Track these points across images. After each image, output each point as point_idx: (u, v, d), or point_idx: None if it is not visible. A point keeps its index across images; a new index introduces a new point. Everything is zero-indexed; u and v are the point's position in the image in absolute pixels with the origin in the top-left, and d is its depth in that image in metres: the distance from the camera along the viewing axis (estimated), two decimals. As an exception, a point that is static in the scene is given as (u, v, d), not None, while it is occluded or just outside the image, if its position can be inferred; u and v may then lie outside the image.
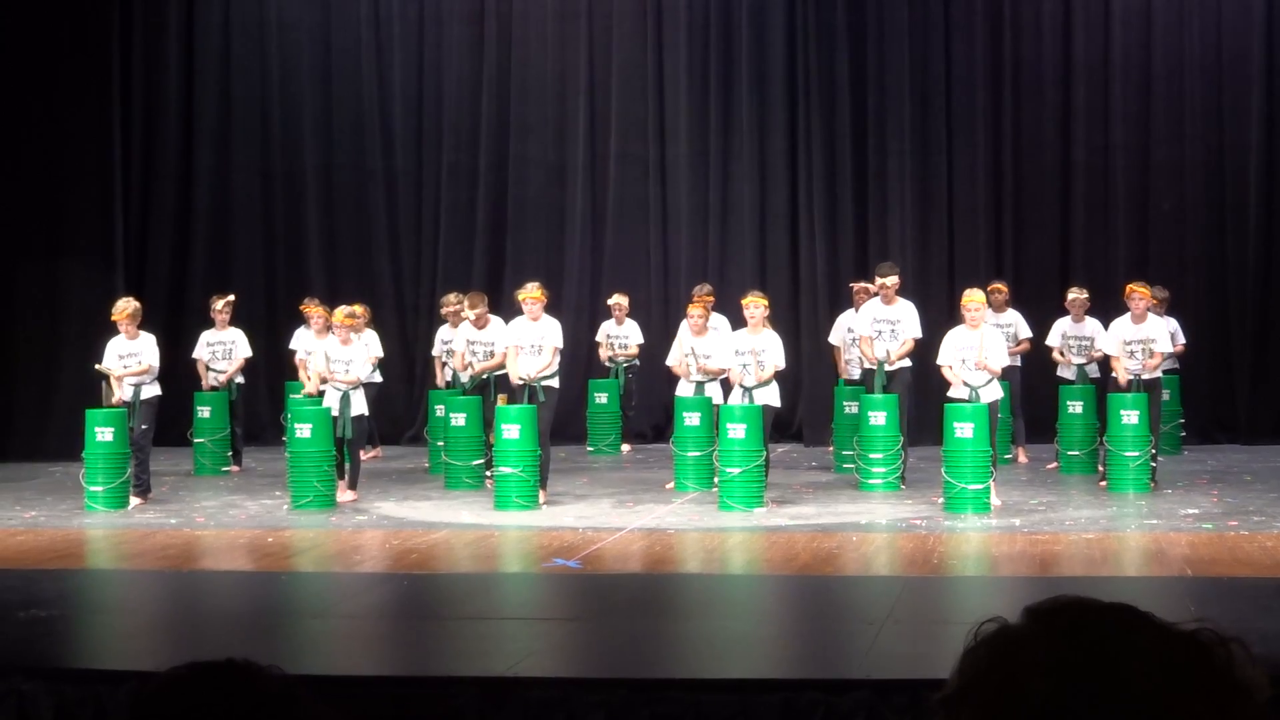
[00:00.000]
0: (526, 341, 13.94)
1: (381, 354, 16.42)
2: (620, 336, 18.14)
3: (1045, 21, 18.82)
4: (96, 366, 14.28)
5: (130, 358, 14.20)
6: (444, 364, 16.24)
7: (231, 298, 16.72)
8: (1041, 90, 18.83)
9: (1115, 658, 1.53)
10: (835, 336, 16.13)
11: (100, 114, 18.24)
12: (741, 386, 13.72)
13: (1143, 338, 14.31)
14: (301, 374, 15.68)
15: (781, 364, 13.91)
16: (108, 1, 18.47)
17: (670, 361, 15.14)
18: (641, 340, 18.10)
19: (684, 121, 19.32)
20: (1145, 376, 14.21)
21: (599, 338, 18.26)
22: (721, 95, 19.25)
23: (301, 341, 16.53)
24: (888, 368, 14.73)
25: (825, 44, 18.83)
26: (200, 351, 16.53)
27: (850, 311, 15.95)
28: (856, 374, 15.77)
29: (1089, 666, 1.52)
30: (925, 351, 14.73)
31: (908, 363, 14.88)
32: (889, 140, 18.69)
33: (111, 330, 14.33)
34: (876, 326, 14.87)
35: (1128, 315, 14.43)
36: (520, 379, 13.80)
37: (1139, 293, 14.44)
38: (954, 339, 13.62)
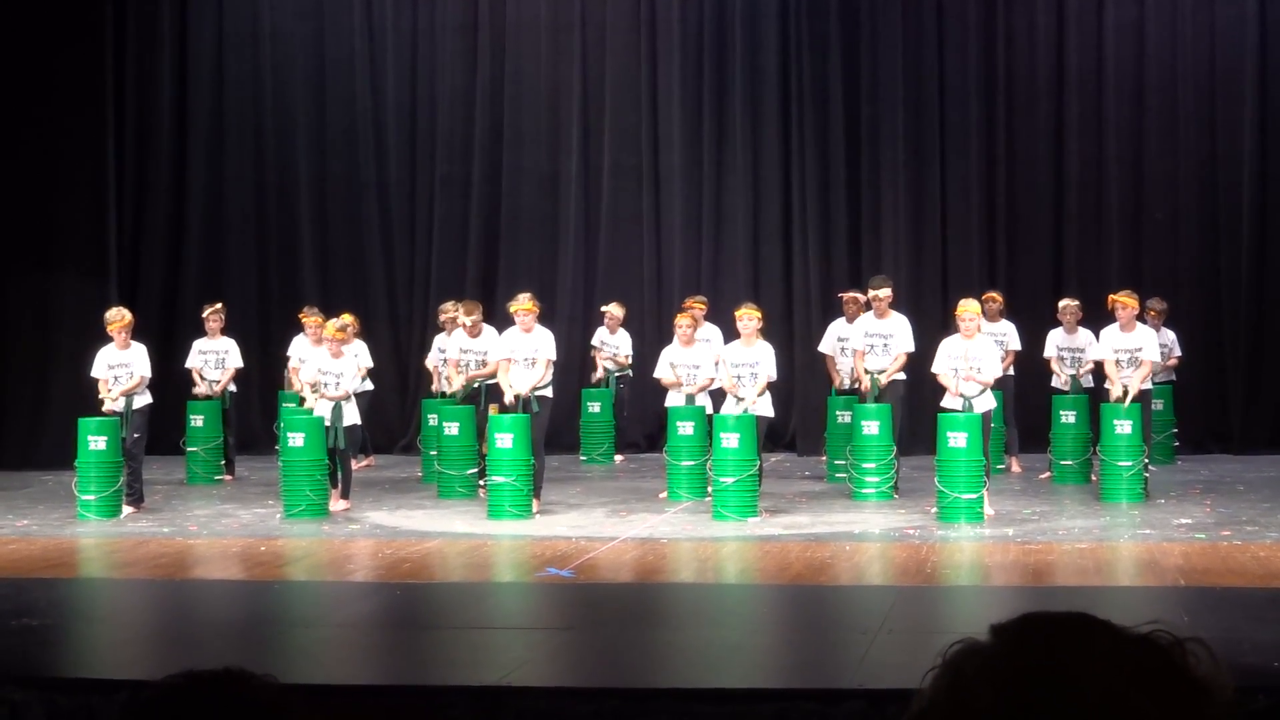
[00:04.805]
0: (520, 355, 13.91)
1: (371, 364, 16.39)
2: (612, 345, 18.15)
3: (1039, 34, 18.84)
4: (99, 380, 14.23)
5: (121, 368, 14.18)
6: (441, 373, 16.20)
7: (219, 306, 16.72)
8: (1035, 102, 18.85)
9: (1065, 663, 1.53)
10: (827, 345, 16.11)
11: (93, 125, 18.22)
12: (736, 398, 13.71)
13: (1131, 347, 14.33)
14: (294, 380, 15.70)
15: (774, 375, 13.91)
16: (101, 13, 18.46)
17: (658, 374, 15.15)
18: (630, 353, 18.08)
19: (677, 132, 19.33)
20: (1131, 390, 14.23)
21: (595, 343, 18.25)
22: (715, 106, 19.26)
23: (297, 349, 16.54)
24: (881, 384, 14.71)
25: (819, 55, 18.85)
26: (193, 360, 16.53)
27: (841, 320, 15.94)
28: (846, 384, 15.75)
29: (1038, 673, 1.53)
30: (919, 362, 14.73)
31: (901, 375, 14.88)
32: (882, 151, 18.70)
33: (103, 340, 14.32)
34: (869, 340, 14.87)
35: (1117, 324, 14.46)
36: (515, 395, 13.78)
37: (1122, 302, 14.45)
38: (948, 348, 13.62)
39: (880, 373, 14.68)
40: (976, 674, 1.54)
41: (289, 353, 16.87)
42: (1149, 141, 18.68)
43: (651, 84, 19.46)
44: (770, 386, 13.90)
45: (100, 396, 14.10)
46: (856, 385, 15.12)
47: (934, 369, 13.67)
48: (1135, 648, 1.55)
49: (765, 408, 13.81)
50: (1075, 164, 18.77)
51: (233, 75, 19.81)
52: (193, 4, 19.82)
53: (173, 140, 19.64)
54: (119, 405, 14.08)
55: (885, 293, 14.91)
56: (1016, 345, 16.23)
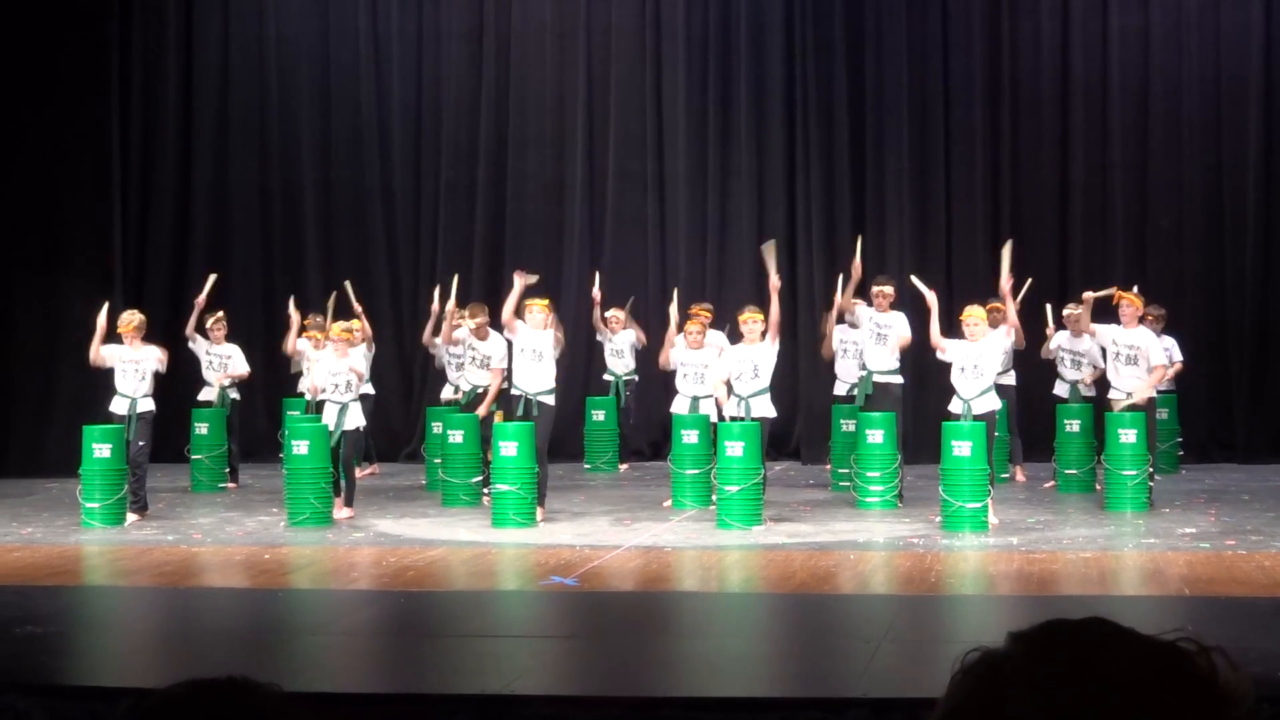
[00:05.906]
0: (528, 346, 13.90)
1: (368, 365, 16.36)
2: (615, 345, 18.16)
3: (1044, 39, 18.84)
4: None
5: (130, 364, 14.21)
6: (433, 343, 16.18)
7: (221, 315, 16.66)
8: (1039, 108, 18.84)
9: (1094, 667, 1.54)
10: (830, 350, 16.25)
11: (99, 128, 18.23)
12: (738, 396, 13.72)
13: (1130, 343, 14.37)
14: (291, 340, 15.81)
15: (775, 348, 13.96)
16: (106, 15, 18.48)
17: (662, 361, 15.25)
18: (635, 344, 18.06)
19: (682, 137, 19.33)
20: (1137, 398, 14.24)
21: (600, 341, 18.26)
22: (720, 111, 19.26)
23: (304, 346, 16.50)
24: (877, 377, 14.82)
25: (824, 60, 18.85)
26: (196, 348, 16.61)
27: (844, 324, 16.03)
28: (845, 389, 15.84)
29: (1068, 677, 1.53)
30: (922, 363, 14.74)
31: (899, 379, 14.94)
32: (887, 157, 18.69)
33: (114, 343, 14.32)
34: (868, 328, 15.08)
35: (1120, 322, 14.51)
36: (519, 391, 13.83)
37: (1129, 300, 14.51)
38: (952, 345, 13.73)
39: (880, 372, 14.82)
40: (1008, 678, 1.55)
41: (299, 346, 16.72)
42: (1154, 147, 18.66)
43: (656, 89, 19.46)
44: (774, 390, 13.91)
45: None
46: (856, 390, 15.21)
47: (933, 339, 13.78)
48: (1164, 653, 1.56)
49: (766, 408, 13.81)
50: (1080, 170, 18.76)
51: (238, 78, 19.81)
52: (198, 7, 19.83)
53: (178, 144, 19.64)
54: (123, 408, 14.10)
55: (889, 289, 15.09)
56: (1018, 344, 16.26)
